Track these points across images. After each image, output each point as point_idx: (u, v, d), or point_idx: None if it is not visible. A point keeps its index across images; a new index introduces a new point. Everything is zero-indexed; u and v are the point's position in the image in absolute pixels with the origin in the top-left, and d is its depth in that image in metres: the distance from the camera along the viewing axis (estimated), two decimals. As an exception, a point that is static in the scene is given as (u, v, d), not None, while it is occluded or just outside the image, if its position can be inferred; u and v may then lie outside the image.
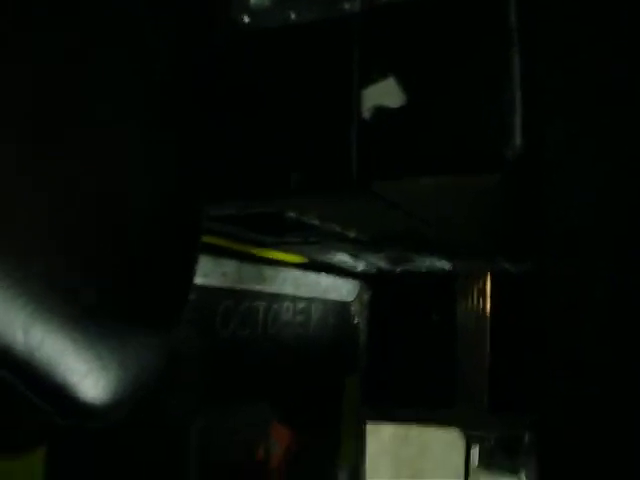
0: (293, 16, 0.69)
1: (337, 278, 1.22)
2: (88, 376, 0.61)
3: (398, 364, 1.33)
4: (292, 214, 0.77)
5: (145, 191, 0.70)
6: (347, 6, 0.67)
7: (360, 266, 1.19)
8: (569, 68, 0.59)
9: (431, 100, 0.61)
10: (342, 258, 1.12)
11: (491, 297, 1.35)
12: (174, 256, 0.72)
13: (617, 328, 0.54)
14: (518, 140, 0.58)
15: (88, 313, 0.61)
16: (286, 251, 1.07)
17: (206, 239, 0.88)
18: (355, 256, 1.11)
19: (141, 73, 0.71)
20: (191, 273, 0.74)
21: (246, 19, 0.71)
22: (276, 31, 0.69)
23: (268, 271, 1.04)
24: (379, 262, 1.15)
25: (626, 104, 0.56)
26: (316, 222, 0.80)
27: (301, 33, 0.68)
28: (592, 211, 0.57)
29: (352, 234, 0.88)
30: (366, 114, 0.62)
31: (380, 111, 0.62)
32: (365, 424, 1.32)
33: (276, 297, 1.06)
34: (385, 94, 0.62)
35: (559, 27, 0.60)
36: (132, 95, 0.68)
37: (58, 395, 0.58)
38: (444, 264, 1.15)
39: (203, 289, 0.91)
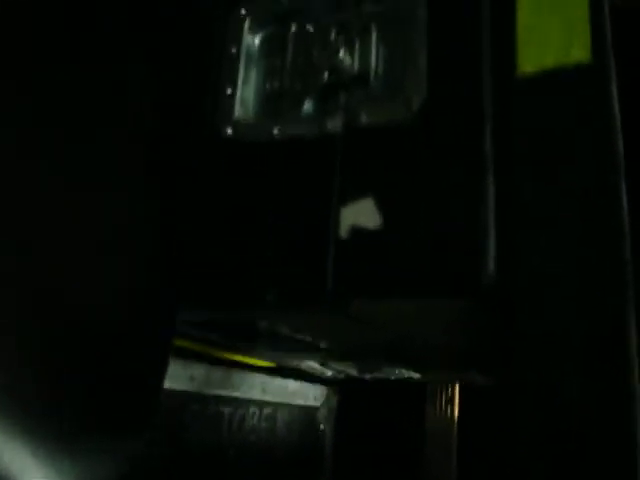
0: (276, 132, 0.71)
1: (305, 383, 1.21)
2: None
3: (365, 472, 1.31)
4: (265, 324, 0.77)
5: (119, 297, 0.70)
6: (329, 125, 0.69)
7: (329, 373, 1.19)
8: (540, 194, 0.60)
9: (407, 223, 0.62)
10: (311, 365, 1.11)
11: (459, 405, 1.34)
12: (145, 362, 0.71)
13: (583, 437, 0.55)
14: (491, 266, 0.59)
15: (47, 419, 0.60)
16: (256, 357, 1.06)
17: (176, 342, 0.87)
18: (324, 364, 1.10)
19: (122, 180, 0.71)
20: (161, 380, 0.73)
21: (229, 131, 0.72)
22: (258, 146, 0.71)
23: (236, 375, 1.03)
24: (348, 370, 1.14)
25: (596, 237, 0.58)
26: (288, 332, 0.80)
27: (283, 149, 0.70)
28: (559, 330, 0.58)
29: (323, 345, 0.88)
30: (343, 234, 0.63)
31: (357, 231, 0.63)
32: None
33: (243, 402, 1.05)
34: (363, 214, 0.63)
35: (533, 156, 0.62)
36: (111, 204, 0.69)
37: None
38: (413, 374, 1.15)
39: (170, 393, 0.90)
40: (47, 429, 0.59)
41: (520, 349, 0.59)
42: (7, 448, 0.56)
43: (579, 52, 0.62)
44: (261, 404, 1.09)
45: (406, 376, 1.15)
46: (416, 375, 1.15)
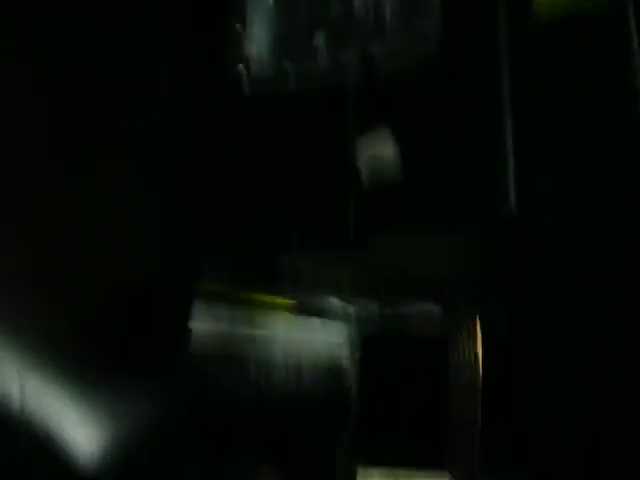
0: (289, 69, 0.70)
1: (329, 338, 1.21)
2: (81, 427, 0.60)
3: (389, 423, 1.32)
4: (287, 265, 0.77)
5: (145, 240, 0.70)
6: (344, 63, 0.68)
7: (350, 310, 1.19)
8: (556, 133, 0.60)
9: (426, 158, 0.62)
10: (332, 301, 1.11)
11: (483, 357, 1.34)
12: (169, 308, 0.72)
13: (603, 385, 0.56)
14: (512, 197, 0.59)
15: (81, 364, 0.61)
16: (278, 293, 1.06)
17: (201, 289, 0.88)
18: (346, 300, 1.11)
19: (145, 137, 0.72)
20: (186, 325, 0.74)
21: (247, 86, 0.72)
22: (276, 97, 0.70)
23: (261, 330, 1.03)
24: (369, 304, 1.14)
25: (616, 163, 0.58)
26: (310, 270, 0.80)
27: (299, 94, 0.69)
28: (583, 266, 0.58)
29: (346, 283, 0.88)
30: (363, 171, 0.63)
31: (377, 168, 0.63)
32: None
33: (269, 356, 1.05)
34: (379, 143, 0.63)
35: (549, 94, 0.61)
36: (136, 157, 0.69)
37: (51, 447, 0.58)
38: (434, 308, 1.15)
39: (197, 345, 0.90)
40: (83, 370, 0.61)
41: (544, 290, 0.59)
42: (46, 390, 0.57)
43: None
44: (287, 358, 1.10)
45: (426, 310, 1.15)
46: (437, 310, 1.15)
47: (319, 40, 0.70)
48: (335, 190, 0.64)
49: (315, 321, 1.18)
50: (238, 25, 0.73)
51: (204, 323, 0.93)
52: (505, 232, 0.60)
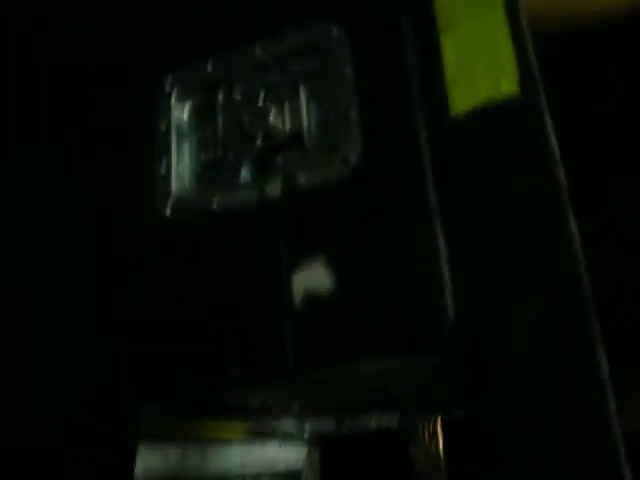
0: (215, 204, 0.69)
1: (284, 446, 1.18)
2: None
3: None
4: (234, 401, 0.74)
5: (78, 387, 0.68)
6: (269, 190, 0.67)
7: (306, 430, 1.16)
8: (487, 236, 0.59)
9: (360, 283, 0.60)
10: (287, 425, 1.08)
11: (444, 441, 1.32)
12: (110, 452, 0.69)
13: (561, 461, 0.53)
14: (451, 319, 0.58)
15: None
16: (231, 420, 1.03)
17: (147, 428, 0.84)
18: (300, 421, 1.08)
19: (66, 268, 0.70)
20: (131, 468, 0.71)
21: (168, 212, 0.70)
22: (200, 223, 0.69)
23: (212, 450, 1.00)
24: (325, 424, 1.12)
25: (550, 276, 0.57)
26: (258, 403, 0.78)
27: (226, 223, 0.68)
28: (526, 364, 0.56)
29: (295, 408, 0.86)
30: (297, 302, 0.62)
31: (311, 298, 0.61)
32: None
33: (223, 477, 1.01)
34: (314, 279, 0.62)
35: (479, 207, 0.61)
36: (60, 295, 0.67)
37: None
38: (392, 419, 1.13)
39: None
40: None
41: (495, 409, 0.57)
42: None
43: (508, 86, 0.62)
44: (242, 476, 1.06)
45: (385, 424, 1.13)
46: (395, 420, 1.13)
47: (245, 175, 0.69)
48: (272, 326, 0.62)
49: (271, 449, 1.15)
50: (162, 167, 0.72)
51: (153, 470, 0.89)
52: (446, 353, 0.59)
